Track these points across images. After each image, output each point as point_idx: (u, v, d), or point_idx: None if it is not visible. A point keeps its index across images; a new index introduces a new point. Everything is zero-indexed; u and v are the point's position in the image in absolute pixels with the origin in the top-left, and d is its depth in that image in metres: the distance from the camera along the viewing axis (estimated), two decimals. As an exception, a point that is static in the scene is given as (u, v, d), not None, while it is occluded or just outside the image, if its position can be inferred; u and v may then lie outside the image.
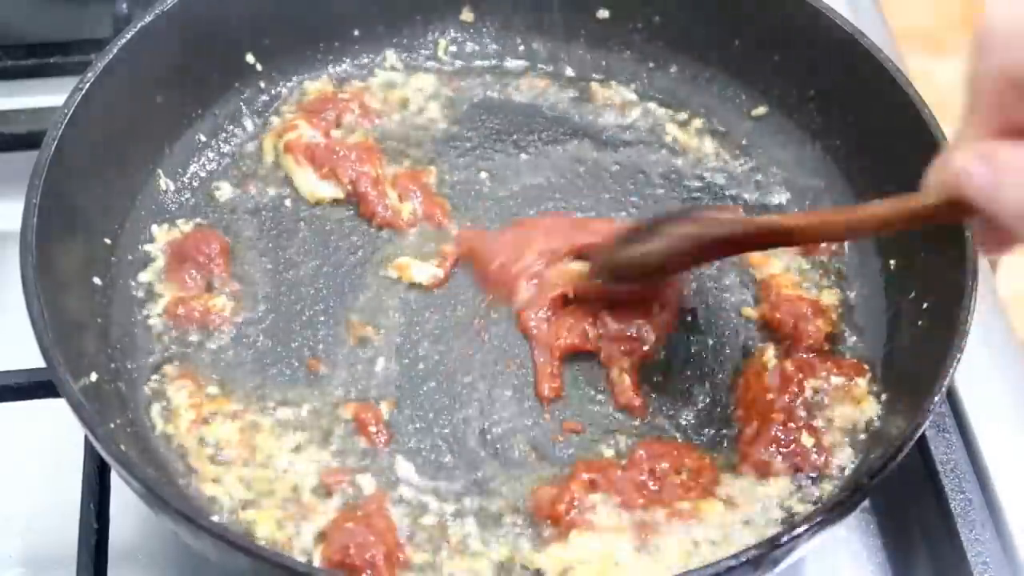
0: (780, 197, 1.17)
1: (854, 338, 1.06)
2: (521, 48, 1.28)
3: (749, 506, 0.94)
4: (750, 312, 1.08)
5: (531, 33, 1.28)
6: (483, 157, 1.20)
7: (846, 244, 1.11)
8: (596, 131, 1.22)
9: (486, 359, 1.04)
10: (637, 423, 1.01)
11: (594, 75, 1.27)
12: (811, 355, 1.02)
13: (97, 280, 1.04)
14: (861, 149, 1.13)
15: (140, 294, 1.07)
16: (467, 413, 1.01)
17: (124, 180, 1.10)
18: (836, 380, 1.01)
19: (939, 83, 1.54)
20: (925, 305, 1.00)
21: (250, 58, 1.20)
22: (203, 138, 1.18)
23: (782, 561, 0.85)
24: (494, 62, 1.28)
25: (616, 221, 1.13)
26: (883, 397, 1.00)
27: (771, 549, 0.82)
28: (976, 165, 0.69)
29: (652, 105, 1.24)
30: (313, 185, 1.15)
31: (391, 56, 1.27)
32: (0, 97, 1.31)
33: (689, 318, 1.07)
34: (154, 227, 1.11)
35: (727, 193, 1.18)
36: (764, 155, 1.19)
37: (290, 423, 1.00)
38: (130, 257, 1.08)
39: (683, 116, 1.23)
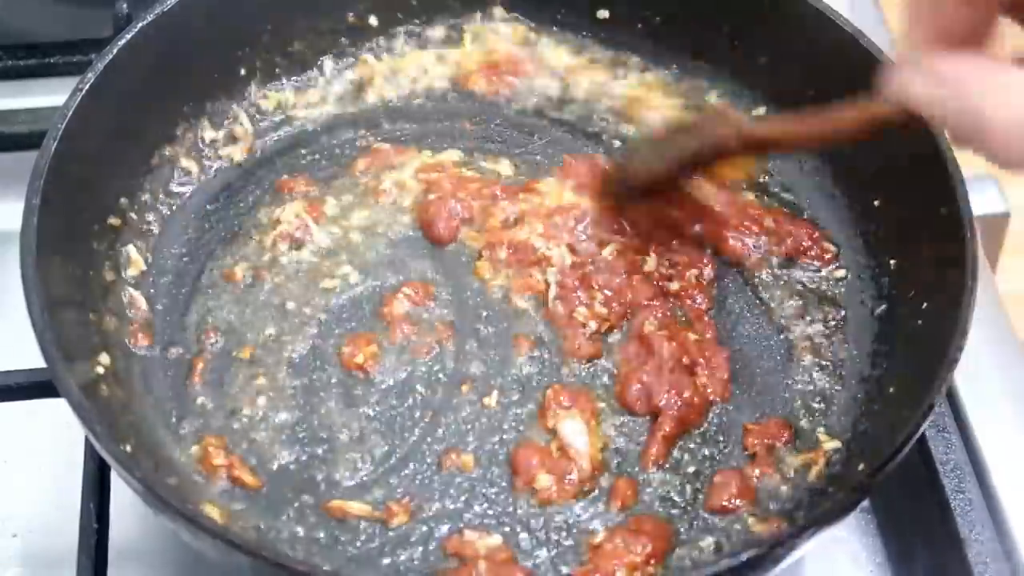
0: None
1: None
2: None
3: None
4: None
5: (529, 33, 1.28)
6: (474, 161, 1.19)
7: (842, 248, 1.12)
8: (595, 132, 1.23)
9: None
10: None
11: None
12: None
13: (98, 280, 1.04)
14: (861, 149, 1.13)
15: (140, 294, 1.07)
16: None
17: (124, 180, 1.10)
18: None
19: (939, 83, 1.53)
20: (925, 305, 1.00)
21: (251, 58, 1.20)
22: (204, 138, 1.18)
23: (782, 561, 0.85)
24: (493, 62, 1.28)
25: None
26: (883, 396, 1.00)
27: (771, 549, 0.82)
28: (920, 79, 0.72)
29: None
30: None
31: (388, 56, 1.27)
32: (0, 97, 1.31)
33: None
34: (154, 227, 1.12)
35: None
36: (765, 156, 1.19)
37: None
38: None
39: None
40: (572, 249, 1.09)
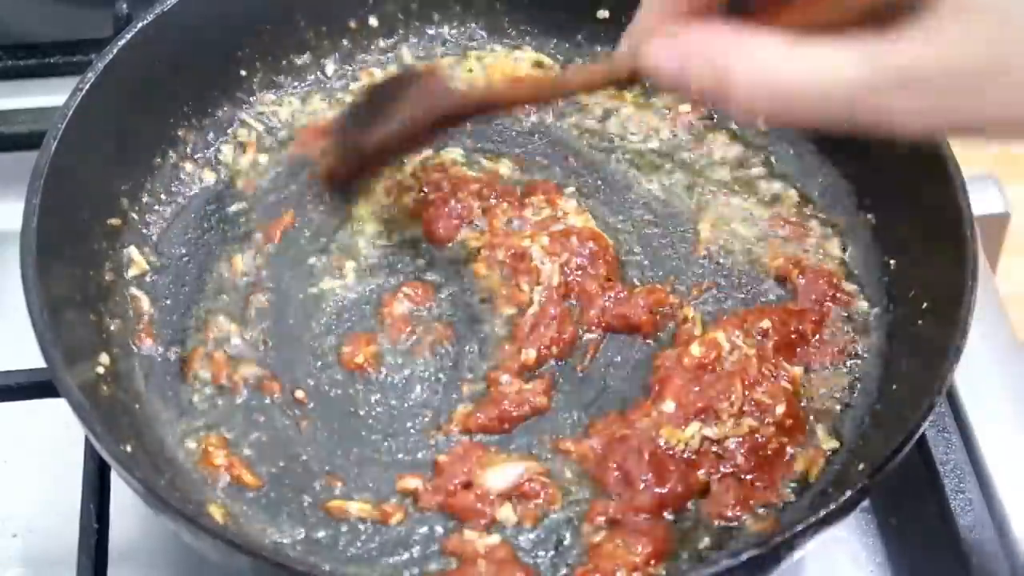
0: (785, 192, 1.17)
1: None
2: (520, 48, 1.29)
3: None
4: None
5: (530, 33, 1.28)
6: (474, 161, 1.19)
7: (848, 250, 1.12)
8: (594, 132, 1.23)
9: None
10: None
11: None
12: None
13: (98, 281, 1.04)
14: (861, 148, 1.13)
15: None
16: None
17: (125, 180, 1.10)
18: None
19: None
20: (925, 305, 1.00)
21: (251, 59, 1.20)
22: (204, 139, 1.18)
23: (782, 561, 0.85)
24: (492, 62, 1.28)
25: None
26: (883, 396, 1.00)
27: (771, 549, 0.82)
28: (667, 53, 0.75)
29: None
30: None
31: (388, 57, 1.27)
32: (0, 97, 1.31)
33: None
34: (154, 227, 1.12)
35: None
36: (765, 155, 1.19)
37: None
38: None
39: (683, 116, 1.24)
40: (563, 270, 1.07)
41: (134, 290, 1.07)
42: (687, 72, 0.74)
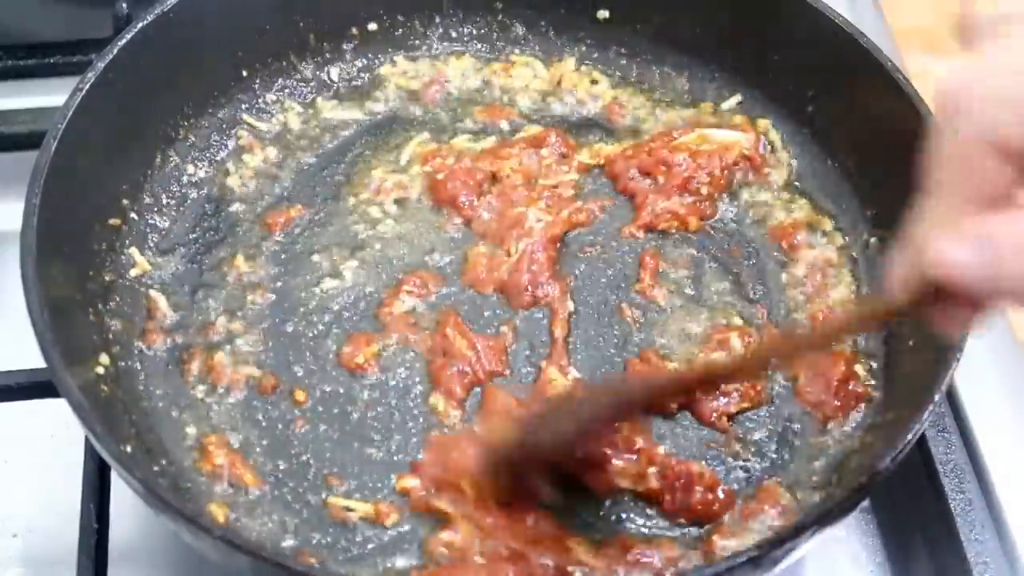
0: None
1: (856, 337, 1.06)
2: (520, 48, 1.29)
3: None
4: None
5: (530, 33, 1.28)
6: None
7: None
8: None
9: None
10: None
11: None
12: None
13: (98, 281, 1.04)
14: (861, 148, 1.13)
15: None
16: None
17: (125, 180, 1.10)
18: None
19: (939, 83, 1.53)
20: (925, 305, 1.00)
21: (250, 59, 1.20)
22: (204, 139, 1.18)
23: (782, 561, 0.84)
24: (492, 62, 1.29)
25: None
26: (883, 396, 1.00)
27: (771, 549, 0.82)
28: (969, 249, 0.63)
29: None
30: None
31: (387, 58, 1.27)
32: (0, 97, 1.31)
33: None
34: (154, 227, 1.12)
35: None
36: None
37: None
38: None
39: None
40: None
41: (151, 290, 1.07)
42: (1000, 270, 0.61)
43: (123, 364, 1.01)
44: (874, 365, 1.03)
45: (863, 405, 1.00)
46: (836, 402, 1.00)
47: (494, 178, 1.15)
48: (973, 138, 0.63)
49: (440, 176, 1.15)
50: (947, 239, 0.63)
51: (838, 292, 1.08)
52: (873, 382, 1.02)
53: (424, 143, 1.20)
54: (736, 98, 1.22)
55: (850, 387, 1.01)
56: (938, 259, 0.64)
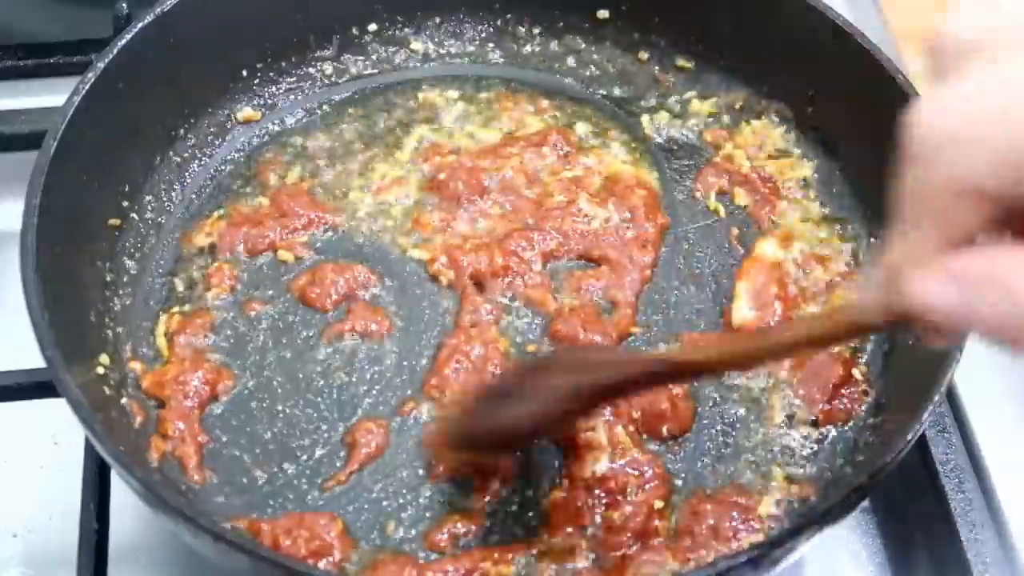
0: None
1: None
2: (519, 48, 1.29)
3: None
4: None
5: (529, 33, 1.28)
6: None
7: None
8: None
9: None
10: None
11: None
12: None
13: (98, 281, 1.04)
14: (861, 148, 1.13)
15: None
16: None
17: (125, 180, 1.10)
18: None
19: (939, 83, 1.53)
20: (925, 305, 1.00)
21: (250, 59, 1.20)
22: (205, 139, 1.18)
23: (782, 561, 0.85)
24: (492, 63, 1.29)
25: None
26: (882, 397, 1.00)
27: (771, 549, 0.82)
28: (943, 287, 0.62)
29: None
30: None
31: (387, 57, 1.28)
32: (0, 97, 1.31)
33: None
34: (154, 227, 1.12)
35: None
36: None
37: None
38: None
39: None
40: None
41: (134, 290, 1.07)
42: (974, 307, 0.61)
43: (124, 363, 1.01)
44: (872, 368, 1.03)
45: (862, 407, 1.00)
46: (833, 405, 1.00)
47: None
48: (943, 183, 0.62)
49: (442, 176, 1.15)
50: (920, 276, 0.63)
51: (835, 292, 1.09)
52: (870, 386, 1.01)
53: (424, 140, 1.20)
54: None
55: (846, 391, 1.01)
56: (910, 293, 0.63)
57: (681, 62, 1.25)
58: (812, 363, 1.02)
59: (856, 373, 1.02)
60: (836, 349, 1.03)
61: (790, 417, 1.01)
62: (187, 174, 1.16)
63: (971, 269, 0.61)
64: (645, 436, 0.98)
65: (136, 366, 1.02)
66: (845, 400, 1.00)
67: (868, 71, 1.09)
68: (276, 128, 1.21)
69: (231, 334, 1.05)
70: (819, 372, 1.02)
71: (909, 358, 1.00)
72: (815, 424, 1.00)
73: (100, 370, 0.97)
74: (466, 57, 1.28)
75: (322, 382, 1.02)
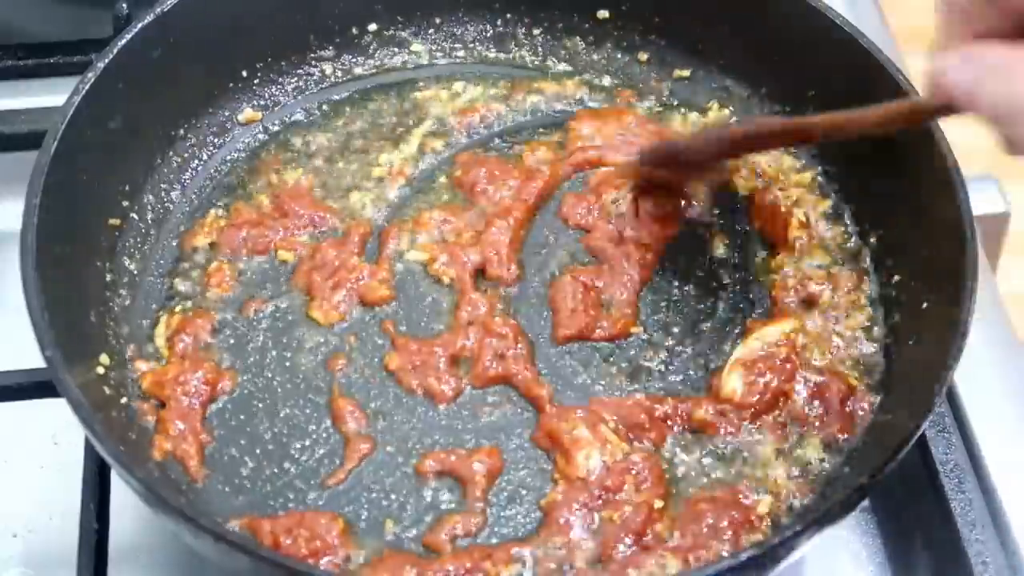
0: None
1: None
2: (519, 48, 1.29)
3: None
4: None
5: (529, 33, 1.28)
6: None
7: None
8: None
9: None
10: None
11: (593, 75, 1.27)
12: None
13: (98, 281, 1.04)
14: (861, 148, 1.13)
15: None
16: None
17: (126, 180, 1.10)
18: None
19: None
20: (925, 305, 1.00)
21: (250, 59, 1.20)
22: (205, 139, 1.18)
23: (782, 561, 0.85)
24: (492, 63, 1.29)
25: None
26: (883, 397, 1.00)
27: (771, 549, 0.82)
28: (956, 65, 0.73)
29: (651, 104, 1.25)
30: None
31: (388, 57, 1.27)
32: (0, 97, 1.31)
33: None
34: (154, 227, 1.12)
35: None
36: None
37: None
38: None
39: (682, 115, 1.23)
40: None
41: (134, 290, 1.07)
42: (979, 92, 0.71)
43: (124, 363, 1.01)
44: (873, 380, 1.02)
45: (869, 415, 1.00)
46: (838, 422, 0.99)
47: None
48: None
49: (442, 176, 1.16)
50: (941, 54, 0.74)
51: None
52: (873, 399, 1.01)
53: (425, 140, 1.20)
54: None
55: (850, 407, 1.00)
56: (932, 70, 0.74)
57: (680, 63, 1.25)
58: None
59: (860, 387, 1.01)
60: (840, 369, 1.02)
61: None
62: (187, 174, 1.16)
63: (986, 55, 0.71)
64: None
65: (136, 366, 1.02)
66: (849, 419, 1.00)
67: (868, 71, 1.09)
68: (276, 128, 1.21)
69: (231, 334, 1.05)
70: (822, 393, 1.00)
71: (910, 358, 1.00)
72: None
73: (100, 370, 0.97)
74: (466, 57, 1.28)
75: (322, 382, 1.02)
